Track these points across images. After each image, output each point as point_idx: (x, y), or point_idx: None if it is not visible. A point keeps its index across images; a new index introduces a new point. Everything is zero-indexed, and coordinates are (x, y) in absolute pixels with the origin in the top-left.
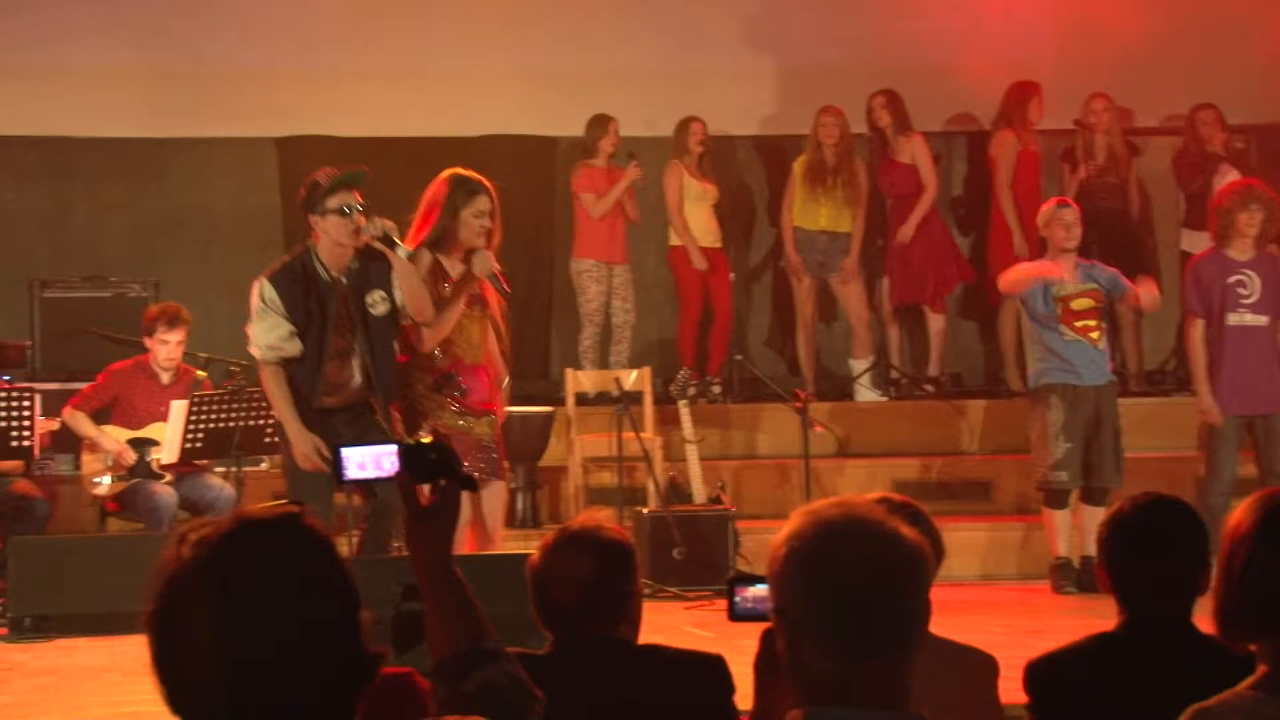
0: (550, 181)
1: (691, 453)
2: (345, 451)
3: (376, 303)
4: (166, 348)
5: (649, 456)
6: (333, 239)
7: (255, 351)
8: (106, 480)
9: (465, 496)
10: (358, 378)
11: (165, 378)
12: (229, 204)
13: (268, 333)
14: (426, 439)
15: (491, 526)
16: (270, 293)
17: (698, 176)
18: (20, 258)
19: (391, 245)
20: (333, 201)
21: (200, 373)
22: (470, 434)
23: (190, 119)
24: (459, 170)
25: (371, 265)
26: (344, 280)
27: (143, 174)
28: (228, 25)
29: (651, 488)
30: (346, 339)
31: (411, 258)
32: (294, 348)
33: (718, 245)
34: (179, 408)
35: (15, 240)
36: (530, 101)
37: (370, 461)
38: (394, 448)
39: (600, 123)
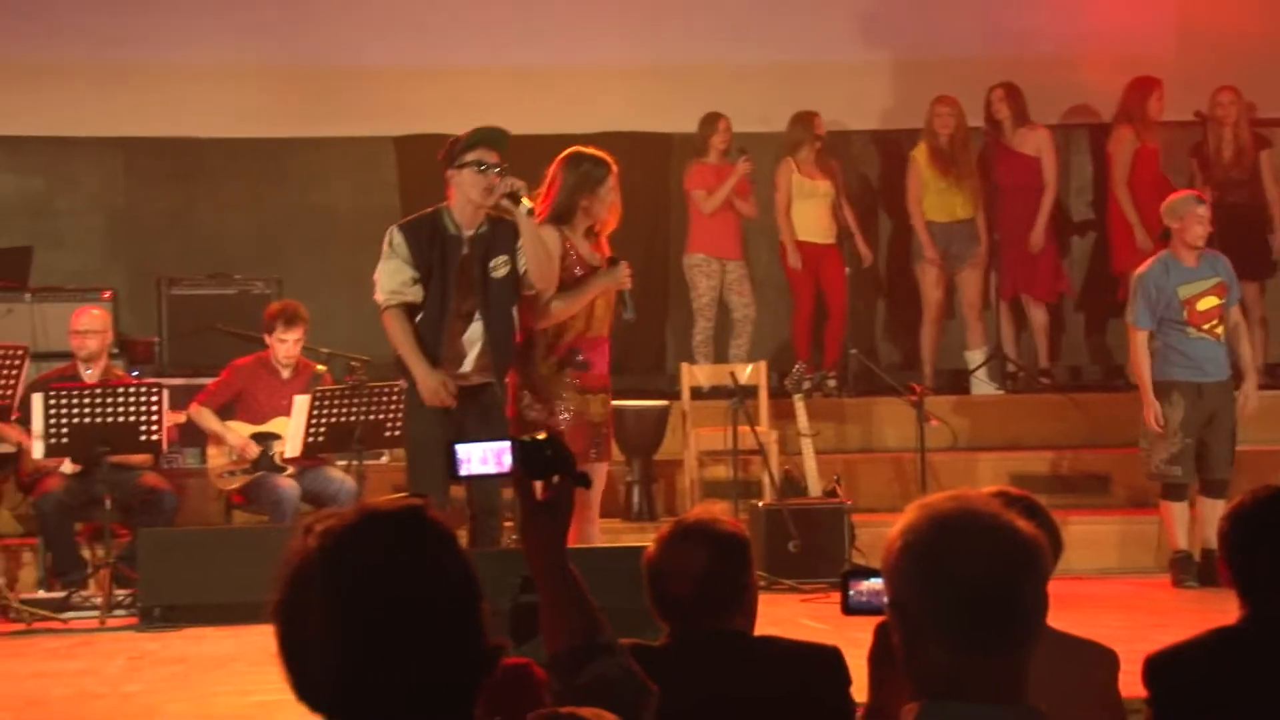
0: (665, 178)
1: (807, 446)
2: (461, 448)
3: (498, 265)
4: (285, 346)
5: (764, 450)
6: (466, 194)
7: (379, 296)
8: (232, 474)
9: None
10: (478, 344)
11: (286, 373)
12: (349, 203)
13: (390, 277)
14: (541, 435)
15: (592, 505)
16: (398, 238)
17: (810, 173)
18: (148, 256)
19: (516, 202)
20: (470, 155)
21: (320, 367)
22: (585, 412)
23: (310, 119)
24: (581, 149)
25: (499, 229)
26: (471, 239)
27: (264, 174)
28: (346, 24)
29: (767, 481)
30: (469, 300)
31: (530, 213)
32: (414, 294)
33: (830, 241)
34: (301, 402)
35: (143, 239)
36: (645, 98)
37: (490, 457)
38: (508, 444)
39: (710, 120)
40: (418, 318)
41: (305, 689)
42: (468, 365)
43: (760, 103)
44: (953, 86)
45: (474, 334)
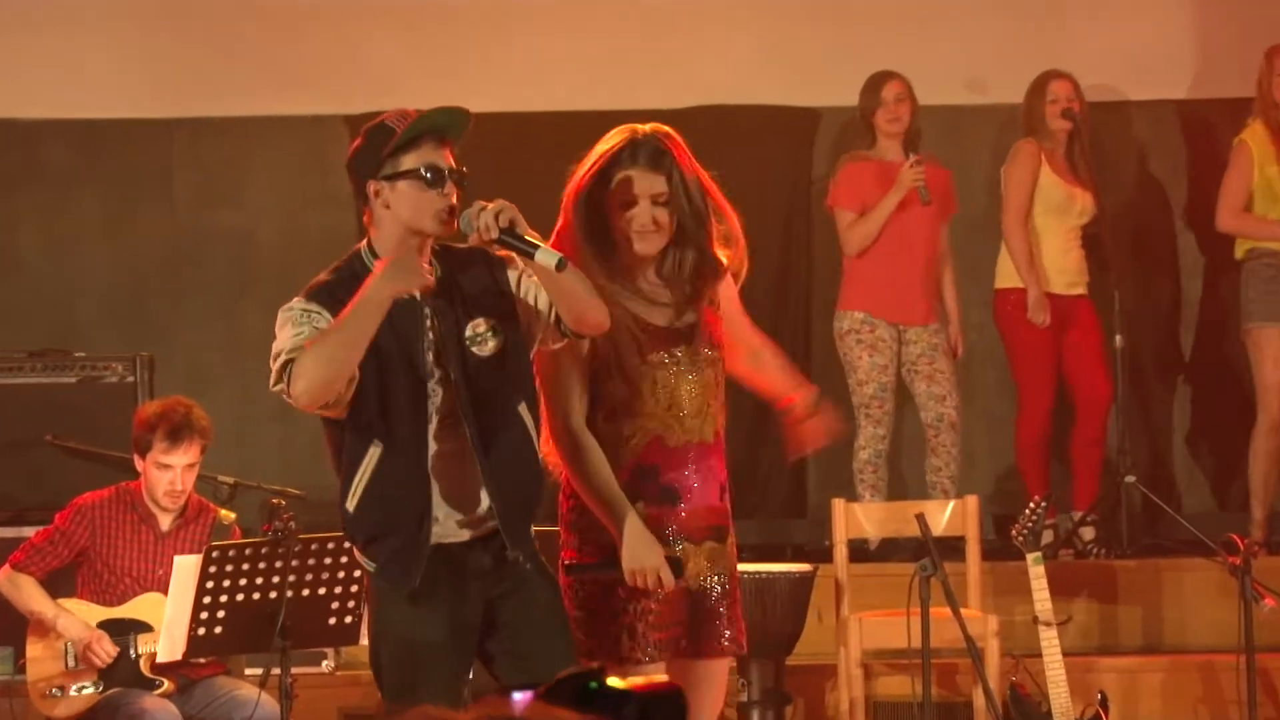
0: (805, 181)
1: (1049, 642)
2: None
3: (483, 335)
4: (167, 476)
5: (975, 650)
6: (405, 223)
7: (277, 359)
8: (70, 691)
9: None
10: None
11: (166, 520)
12: (273, 224)
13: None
14: (615, 681)
15: None
16: (306, 312)
17: (1065, 174)
18: None
19: (523, 246)
20: (408, 159)
21: (225, 513)
22: (686, 578)
23: (214, 88)
24: (631, 128)
25: (464, 271)
26: (428, 299)
27: (134, 177)
28: None
29: (980, 702)
30: (443, 403)
31: (563, 265)
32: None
33: (1080, 292)
34: (185, 569)
35: None
36: (772, 53)
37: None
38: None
39: (875, 85)
40: (371, 448)
41: None
42: (475, 499)
43: (968, 60)
44: None
45: (465, 452)
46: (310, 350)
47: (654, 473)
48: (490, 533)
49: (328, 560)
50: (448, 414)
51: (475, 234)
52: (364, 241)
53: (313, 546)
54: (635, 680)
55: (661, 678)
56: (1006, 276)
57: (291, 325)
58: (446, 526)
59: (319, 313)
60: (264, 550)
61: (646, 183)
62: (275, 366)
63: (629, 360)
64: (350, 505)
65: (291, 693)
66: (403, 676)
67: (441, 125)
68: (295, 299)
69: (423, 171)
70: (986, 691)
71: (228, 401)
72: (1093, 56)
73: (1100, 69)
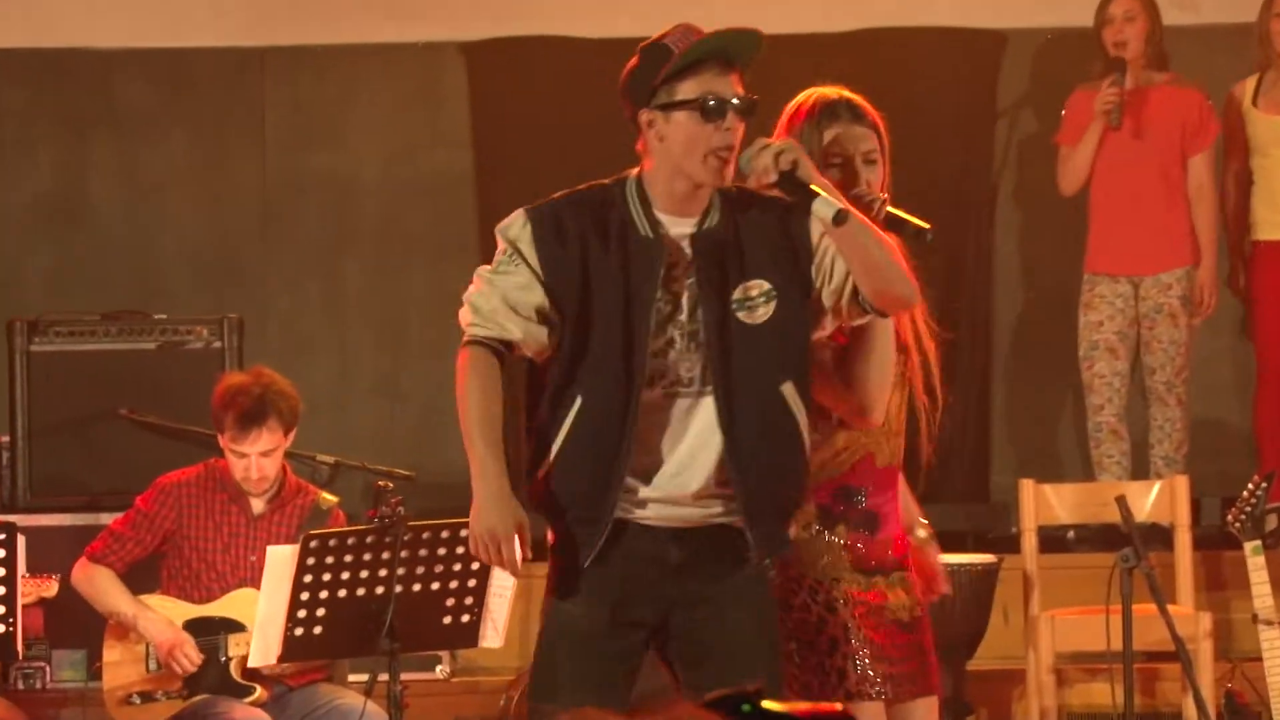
0: (989, 115)
1: (1270, 643)
2: None
3: (755, 299)
4: (242, 463)
5: (1184, 651)
6: (676, 160)
7: (463, 315)
8: (148, 698)
9: None
10: (708, 452)
11: (258, 502)
12: (378, 167)
13: (489, 295)
14: (772, 704)
15: None
16: (525, 234)
17: (1276, 103)
18: None
19: (803, 193)
20: (686, 86)
21: (326, 496)
22: (885, 610)
23: (311, 12)
24: (819, 90)
25: (751, 219)
26: (693, 239)
27: (222, 115)
28: None
29: (1190, 712)
30: (684, 364)
31: (839, 219)
32: (532, 334)
33: None
34: (280, 560)
35: None
36: None
37: None
38: None
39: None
40: (575, 403)
41: None
42: (692, 483)
43: None
44: None
45: (702, 428)
46: (466, 375)
47: (860, 495)
48: (697, 525)
49: (442, 551)
50: (681, 380)
51: (754, 176)
52: (635, 171)
53: (424, 535)
54: (798, 705)
55: (831, 705)
56: (1253, 226)
57: (496, 262)
58: (631, 502)
59: (525, 260)
60: (369, 539)
61: (854, 138)
62: (461, 317)
63: None
64: (541, 473)
65: (401, 701)
66: (548, 664)
67: (728, 48)
68: (522, 212)
69: (702, 101)
70: (1198, 700)
71: (326, 370)
72: None
73: None
